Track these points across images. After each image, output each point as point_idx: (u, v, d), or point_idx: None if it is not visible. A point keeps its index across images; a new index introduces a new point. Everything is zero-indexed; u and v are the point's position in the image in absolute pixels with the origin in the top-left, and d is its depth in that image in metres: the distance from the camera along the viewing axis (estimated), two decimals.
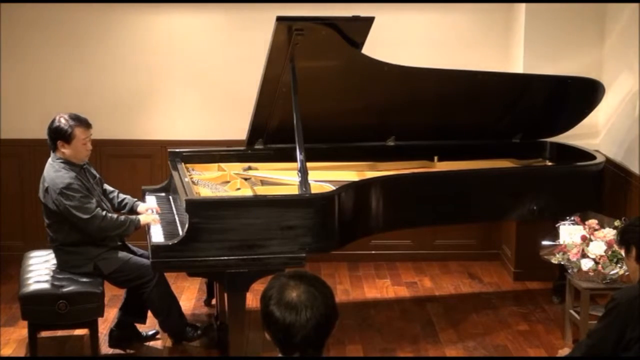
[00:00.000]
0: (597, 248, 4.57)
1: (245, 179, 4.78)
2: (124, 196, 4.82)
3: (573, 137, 5.62)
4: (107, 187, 4.81)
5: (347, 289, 5.71)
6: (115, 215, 4.49)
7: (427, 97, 5.13)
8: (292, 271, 2.30)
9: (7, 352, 4.69)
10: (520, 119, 5.44)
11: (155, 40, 6.04)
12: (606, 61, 5.70)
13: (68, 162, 4.46)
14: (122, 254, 4.54)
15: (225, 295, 4.33)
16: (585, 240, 4.62)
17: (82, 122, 4.47)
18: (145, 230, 4.53)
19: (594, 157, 5.22)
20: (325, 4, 5.72)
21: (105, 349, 4.72)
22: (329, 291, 2.25)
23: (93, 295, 4.36)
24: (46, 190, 4.42)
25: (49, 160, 4.51)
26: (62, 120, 4.44)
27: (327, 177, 4.78)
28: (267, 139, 5.13)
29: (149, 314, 4.71)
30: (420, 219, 4.88)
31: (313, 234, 4.12)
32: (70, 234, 4.45)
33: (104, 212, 4.43)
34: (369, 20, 4.45)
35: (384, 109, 5.17)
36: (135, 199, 4.83)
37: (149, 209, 4.72)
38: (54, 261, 4.60)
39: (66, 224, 4.44)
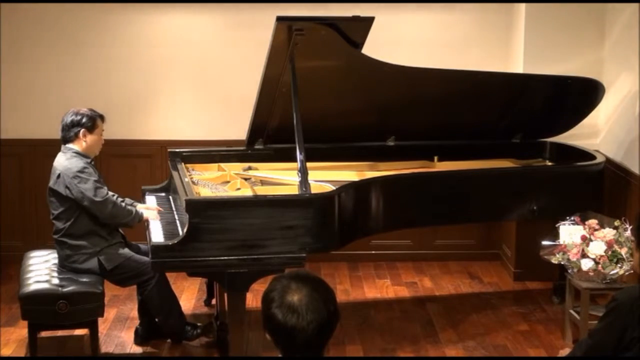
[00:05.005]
0: (597, 248, 4.57)
1: (245, 179, 4.78)
2: (122, 199, 4.82)
3: (573, 137, 5.62)
4: None
5: (347, 289, 5.71)
6: (124, 204, 4.55)
7: (427, 97, 5.13)
8: (294, 272, 2.29)
9: (7, 352, 4.69)
10: (520, 119, 5.44)
11: (155, 41, 6.03)
12: (606, 61, 5.70)
13: (79, 153, 4.50)
14: (124, 251, 4.56)
15: (225, 295, 4.33)
16: (585, 240, 4.62)
17: (100, 114, 4.62)
18: (144, 226, 4.54)
19: (594, 157, 5.21)
20: (325, 4, 5.72)
21: (105, 348, 4.72)
22: (330, 294, 2.25)
23: (93, 295, 4.36)
24: (58, 176, 4.46)
25: (60, 153, 4.55)
26: (83, 111, 4.55)
27: (327, 177, 4.77)
28: (267, 139, 5.13)
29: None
30: (420, 219, 4.88)
31: (313, 234, 4.12)
32: (77, 223, 4.47)
33: (115, 198, 4.51)
34: (369, 20, 4.45)
35: (384, 109, 5.17)
36: (132, 201, 4.83)
37: (148, 209, 4.73)
38: (54, 261, 4.61)
39: (74, 213, 4.46)
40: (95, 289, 4.38)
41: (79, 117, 4.51)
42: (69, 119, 4.52)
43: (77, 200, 4.43)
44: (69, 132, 4.52)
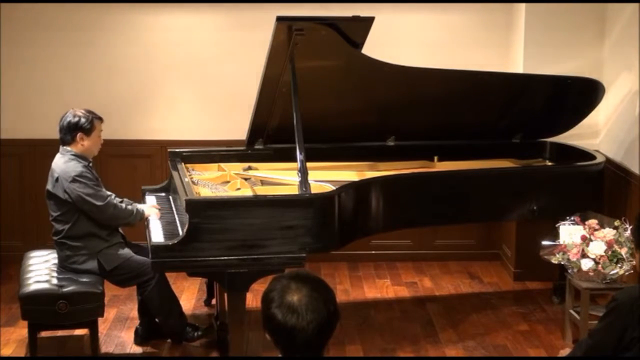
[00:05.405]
0: (597, 248, 4.57)
1: (245, 179, 4.78)
2: (121, 199, 4.82)
3: (573, 137, 5.62)
4: None
5: (347, 289, 5.71)
6: (124, 205, 4.55)
7: (427, 97, 5.13)
8: (294, 272, 2.29)
9: (7, 352, 4.69)
10: (520, 119, 5.44)
11: (155, 40, 6.03)
12: (606, 61, 5.70)
13: (77, 156, 4.49)
14: (124, 252, 4.55)
15: (225, 295, 4.33)
16: (585, 240, 4.63)
17: (98, 116, 4.59)
18: (144, 226, 4.54)
19: (594, 157, 5.21)
20: (325, 4, 5.72)
21: (105, 348, 4.72)
22: (330, 294, 2.25)
23: (93, 295, 4.36)
24: (56, 180, 4.45)
25: (58, 155, 4.54)
26: (81, 113, 4.52)
27: (327, 177, 4.77)
28: (267, 139, 5.13)
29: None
30: (420, 219, 4.87)
31: (313, 234, 4.12)
32: (76, 226, 4.47)
33: (115, 200, 4.50)
34: (369, 20, 4.45)
35: (384, 108, 5.17)
36: (131, 201, 4.83)
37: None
38: (54, 261, 4.61)
39: (74, 216, 4.46)
40: (95, 289, 4.38)
41: (76, 120, 4.49)
42: (66, 121, 4.50)
43: (77, 204, 4.43)
44: (67, 135, 4.50)
